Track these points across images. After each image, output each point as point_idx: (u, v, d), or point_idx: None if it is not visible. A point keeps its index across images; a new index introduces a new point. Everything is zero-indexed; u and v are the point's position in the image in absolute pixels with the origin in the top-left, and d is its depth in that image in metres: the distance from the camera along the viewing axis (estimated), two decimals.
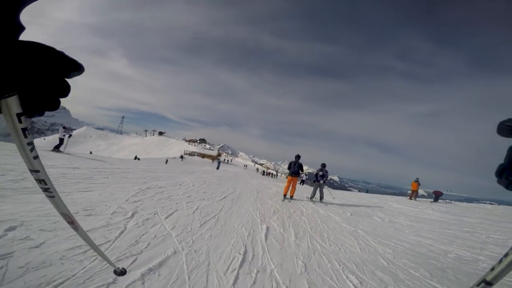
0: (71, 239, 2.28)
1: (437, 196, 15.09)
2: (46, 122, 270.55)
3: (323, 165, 9.00)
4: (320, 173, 8.82)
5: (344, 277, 2.62)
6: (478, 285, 0.57)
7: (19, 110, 0.39)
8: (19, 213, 2.68)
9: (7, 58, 0.32)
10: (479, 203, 18.31)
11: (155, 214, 3.85)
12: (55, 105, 0.41)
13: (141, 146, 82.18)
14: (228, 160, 59.61)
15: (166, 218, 3.74)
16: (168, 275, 2.08)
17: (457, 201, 16.88)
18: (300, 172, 8.26)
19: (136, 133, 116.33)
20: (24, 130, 0.43)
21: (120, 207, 3.87)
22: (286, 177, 9.13)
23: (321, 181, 8.72)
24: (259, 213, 5.03)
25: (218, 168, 26.51)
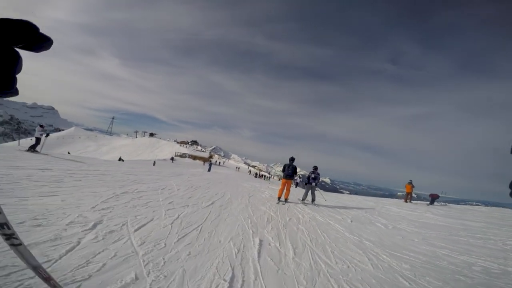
0: None
1: (433, 199, 14.79)
2: (33, 122, 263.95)
3: (315, 168, 9.02)
4: (312, 175, 8.85)
5: None
6: None
7: None
8: None
9: None
10: (466, 204, 18.14)
11: (123, 225, 3.17)
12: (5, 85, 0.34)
13: (131, 148, 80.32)
14: (220, 162, 58.66)
15: (136, 230, 3.07)
16: None
17: (449, 203, 16.60)
18: (294, 174, 8.19)
19: (127, 134, 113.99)
20: None
21: (82, 216, 3.20)
22: (279, 179, 8.73)
23: (313, 184, 8.76)
24: (250, 222, 4.36)
25: (209, 170, 25.74)
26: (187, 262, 2.45)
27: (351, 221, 6.03)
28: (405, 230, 5.66)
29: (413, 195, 16.10)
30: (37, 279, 1.41)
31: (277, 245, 3.36)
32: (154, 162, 23.85)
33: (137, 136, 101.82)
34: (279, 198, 7.74)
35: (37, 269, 0.58)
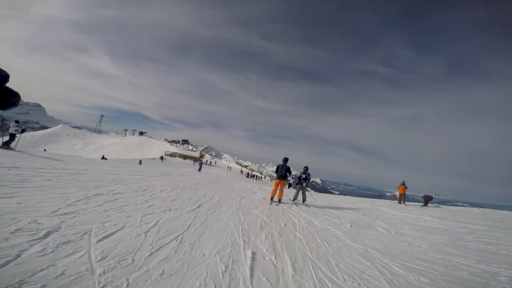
0: None
1: (426, 200, 14.58)
2: (19, 119, 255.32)
3: (306, 168, 9.09)
4: (303, 176, 8.90)
5: None
6: None
7: None
8: None
9: None
10: (451, 205, 18.09)
11: (85, 233, 2.60)
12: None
13: (120, 146, 78.47)
14: (211, 162, 57.82)
15: (100, 240, 2.49)
16: None
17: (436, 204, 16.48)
18: (288, 175, 8.11)
19: (116, 133, 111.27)
20: None
21: (35, 222, 2.63)
22: (271, 180, 8.33)
23: (304, 184, 8.81)
24: (242, 230, 3.79)
25: (200, 170, 25.01)
26: (159, 285, 1.90)
27: (350, 225, 5.56)
28: (408, 235, 5.23)
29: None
30: None
31: (273, 258, 2.82)
32: (140, 161, 22.87)
33: (127, 134, 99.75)
34: (272, 198, 7.69)
35: None
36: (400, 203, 14.68)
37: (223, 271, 2.32)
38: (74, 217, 3.08)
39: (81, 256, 2.13)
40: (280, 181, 7.81)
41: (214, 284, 2.05)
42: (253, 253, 2.83)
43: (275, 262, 2.72)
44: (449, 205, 16.64)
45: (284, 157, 8.05)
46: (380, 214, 8.52)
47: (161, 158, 39.45)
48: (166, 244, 2.72)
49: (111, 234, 2.70)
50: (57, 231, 2.55)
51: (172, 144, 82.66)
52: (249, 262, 2.57)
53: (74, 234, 2.54)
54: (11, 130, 10.29)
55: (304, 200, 8.58)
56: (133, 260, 2.22)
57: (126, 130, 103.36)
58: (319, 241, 3.85)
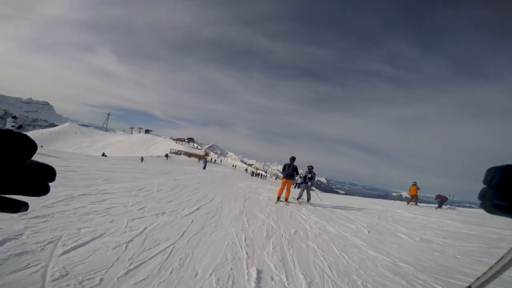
0: None
1: (441, 201, 13.78)
2: (27, 117, 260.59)
3: (311, 167, 9.10)
4: (309, 175, 8.87)
5: None
6: None
7: None
8: None
9: None
10: (459, 206, 17.19)
11: (50, 242, 2.09)
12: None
13: (126, 144, 78.91)
14: (215, 160, 57.44)
15: (66, 252, 1.98)
16: None
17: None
18: (295, 174, 8.04)
19: (123, 131, 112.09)
20: None
21: None
22: (276, 178, 7.99)
23: (309, 183, 8.77)
24: (245, 239, 3.19)
25: (204, 168, 24.55)
26: None
27: (368, 231, 4.94)
28: (435, 242, 4.59)
29: (407, 195, 15.14)
30: None
31: (284, 278, 2.23)
32: (142, 159, 22.34)
33: (133, 132, 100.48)
34: (278, 198, 7.60)
35: None
36: (408, 203, 13.96)
37: None
38: (45, 221, 2.58)
39: (33, 272, 1.62)
40: (287, 181, 7.73)
41: None
42: (259, 272, 2.25)
43: (286, 284, 2.14)
44: (457, 206, 15.83)
45: (291, 156, 7.99)
46: (397, 217, 7.85)
47: (166, 156, 39.17)
48: (150, 258, 2.17)
49: (82, 244, 2.18)
50: (16, 238, 2.05)
51: (178, 142, 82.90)
52: (253, 284, 2.00)
53: (35, 243, 2.03)
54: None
55: (308, 199, 8.49)
56: (101, 280, 1.69)
57: (132, 128, 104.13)
58: (337, 252, 3.24)
